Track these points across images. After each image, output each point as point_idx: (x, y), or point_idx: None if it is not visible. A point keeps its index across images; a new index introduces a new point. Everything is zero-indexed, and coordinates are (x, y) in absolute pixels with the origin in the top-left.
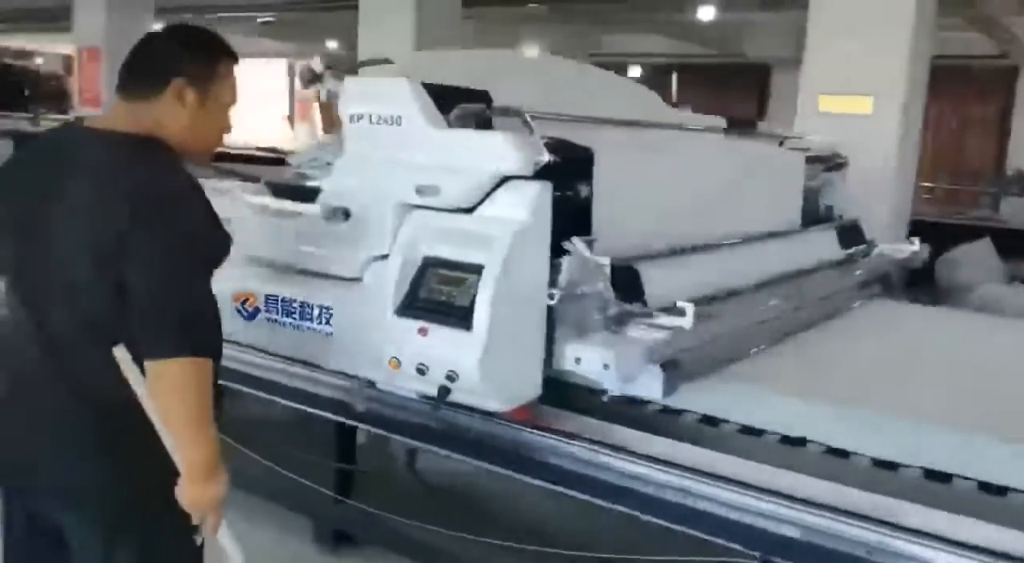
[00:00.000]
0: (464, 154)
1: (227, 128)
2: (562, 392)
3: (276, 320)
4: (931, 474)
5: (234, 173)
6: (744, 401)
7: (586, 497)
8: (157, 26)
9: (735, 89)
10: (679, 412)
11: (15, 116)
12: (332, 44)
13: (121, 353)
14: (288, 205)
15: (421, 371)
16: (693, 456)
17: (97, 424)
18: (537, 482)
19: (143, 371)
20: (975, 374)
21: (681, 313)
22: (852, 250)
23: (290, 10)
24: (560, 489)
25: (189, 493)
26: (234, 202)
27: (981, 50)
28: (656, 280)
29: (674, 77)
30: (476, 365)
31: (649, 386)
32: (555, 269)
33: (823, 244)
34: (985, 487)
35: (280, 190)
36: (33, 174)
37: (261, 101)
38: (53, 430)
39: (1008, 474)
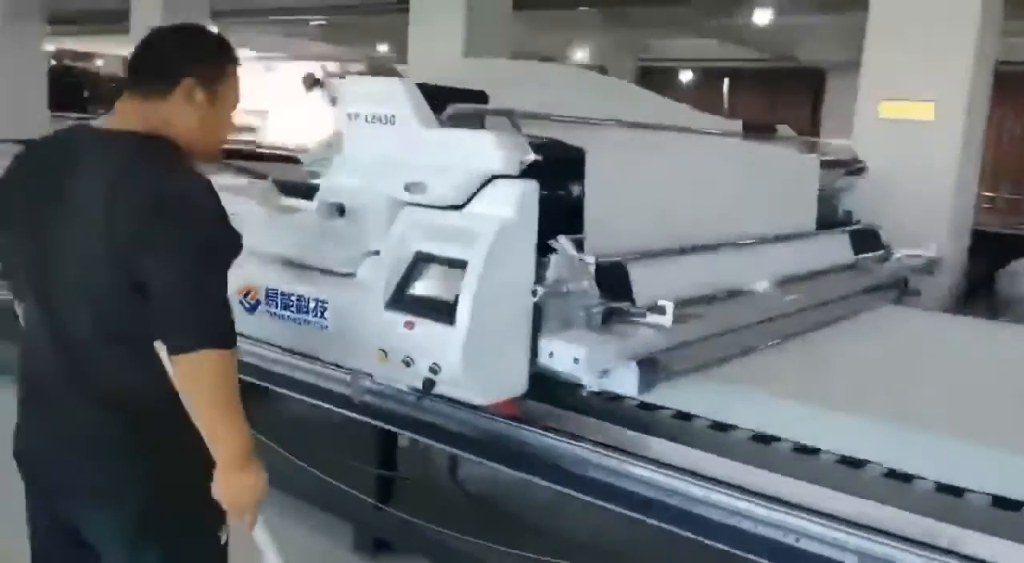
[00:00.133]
0: (452, 153)
1: (231, 128)
2: (550, 388)
3: (276, 313)
4: (893, 473)
5: (243, 170)
6: (715, 399)
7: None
8: (214, 30)
9: (788, 94)
10: (658, 408)
11: (74, 117)
12: (383, 47)
13: (162, 352)
14: (289, 202)
15: (407, 363)
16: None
17: (117, 424)
18: (529, 477)
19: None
20: (967, 379)
21: (661, 312)
22: (866, 255)
23: (342, 14)
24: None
25: (225, 485)
26: (241, 198)
27: None
28: (648, 280)
29: (726, 82)
30: (458, 358)
31: (625, 382)
32: (543, 267)
33: (834, 248)
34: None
35: (285, 187)
36: (42, 176)
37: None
38: (74, 431)
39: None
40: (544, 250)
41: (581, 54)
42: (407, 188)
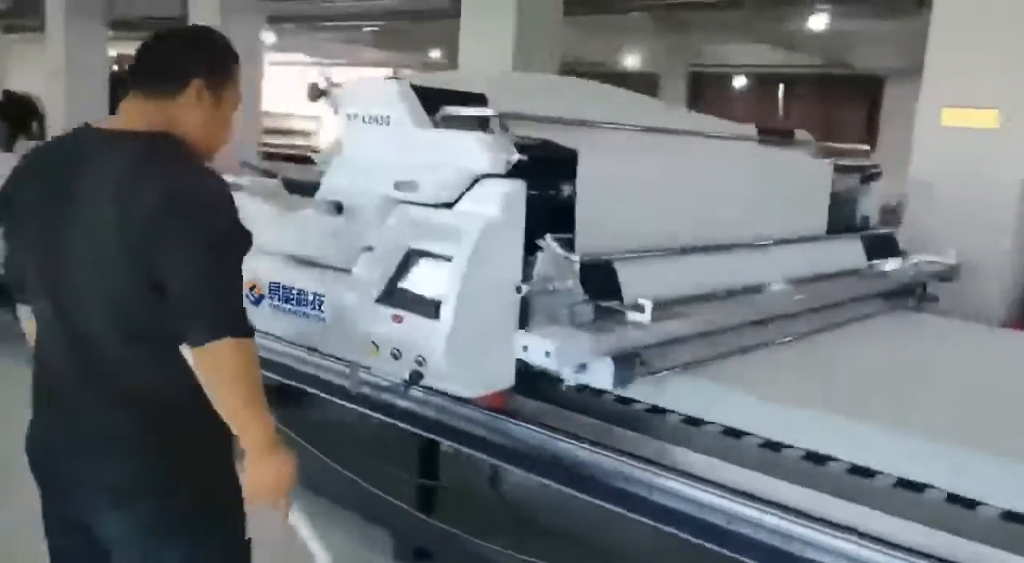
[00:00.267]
0: (443, 153)
1: (232, 127)
2: (538, 382)
3: (279, 307)
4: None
5: (251, 168)
6: (687, 394)
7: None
8: (270, 35)
9: (845, 101)
10: (632, 401)
11: None
12: (435, 53)
13: (186, 352)
14: (293, 199)
15: (395, 356)
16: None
17: (136, 422)
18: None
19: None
20: (965, 386)
21: (640, 309)
22: (880, 261)
23: (395, 20)
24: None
25: (254, 474)
26: (249, 197)
27: None
28: (638, 279)
29: (780, 89)
30: (442, 351)
31: (601, 376)
32: (531, 264)
33: (844, 252)
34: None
35: (292, 186)
36: (52, 178)
37: None
38: (92, 430)
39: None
40: (534, 248)
41: (632, 60)
42: (397, 187)
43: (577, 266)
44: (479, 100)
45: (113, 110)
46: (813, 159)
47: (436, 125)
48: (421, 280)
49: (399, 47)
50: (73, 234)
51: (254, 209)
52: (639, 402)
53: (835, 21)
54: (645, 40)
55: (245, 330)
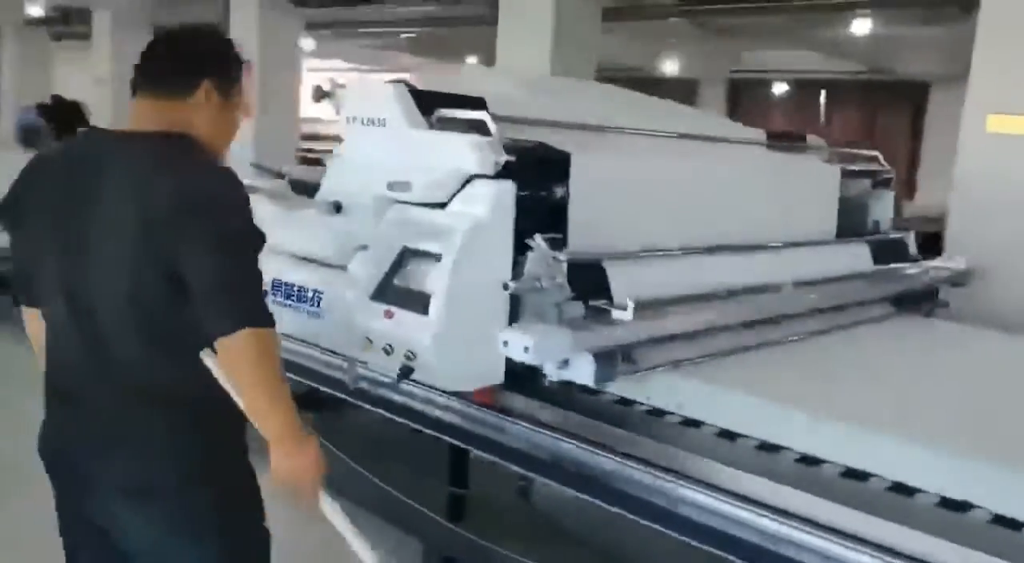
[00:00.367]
0: (437, 154)
1: (239, 127)
2: (527, 378)
3: (281, 302)
4: (805, 458)
5: (261, 169)
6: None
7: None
8: (309, 42)
9: (888, 108)
10: (599, 393)
11: None
12: (472, 59)
13: (210, 360)
14: (297, 199)
15: (387, 351)
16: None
17: (153, 422)
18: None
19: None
20: (963, 391)
21: (623, 307)
22: (888, 266)
23: (433, 26)
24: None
25: (280, 465)
26: (256, 196)
27: None
28: (629, 279)
29: (822, 95)
30: (431, 347)
31: (582, 372)
32: (520, 263)
33: (849, 257)
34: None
35: (297, 186)
36: (68, 182)
37: None
38: (111, 430)
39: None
40: (525, 247)
41: (671, 66)
42: (390, 187)
43: (564, 265)
44: (478, 103)
45: None
46: (821, 164)
47: (432, 127)
48: (413, 278)
49: (436, 53)
50: (92, 235)
51: (260, 209)
52: (630, 401)
53: (878, 26)
54: (684, 46)
55: (265, 320)
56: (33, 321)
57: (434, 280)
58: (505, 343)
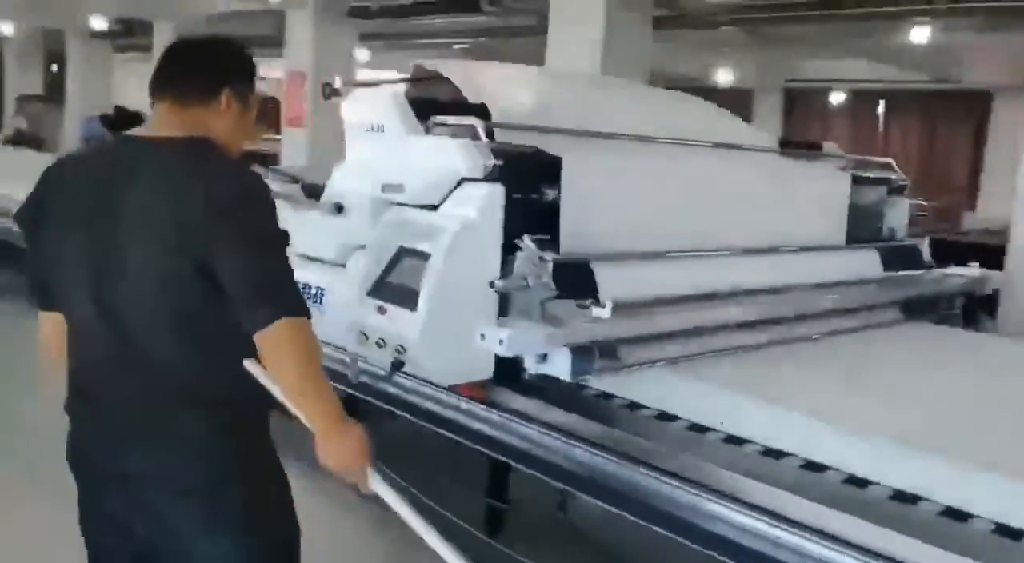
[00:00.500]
0: (431, 158)
1: (254, 131)
2: (518, 375)
3: None
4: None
5: (278, 173)
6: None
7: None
8: (363, 53)
9: (950, 118)
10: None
11: None
12: None
13: (252, 367)
14: (306, 201)
15: (379, 345)
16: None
17: (186, 423)
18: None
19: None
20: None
21: (602, 306)
22: (899, 272)
23: (483, 37)
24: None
25: (327, 451)
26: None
27: None
28: (618, 279)
29: (880, 105)
30: (418, 341)
31: (559, 366)
32: (510, 263)
33: (857, 262)
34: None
35: (307, 189)
36: (97, 186)
37: None
38: (143, 431)
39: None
40: (516, 248)
41: (724, 75)
42: (383, 189)
43: (550, 265)
44: (479, 109)
45: None
46: (831, 170)
47: (428, 132)
48: (406, 275)
49: None
50: (123, 237)
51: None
52: (614, 396)
53: (938, 34)
54: (738, 55)
55: (302, 310)
56: (47, 324)
57: (423, 278)
58: (482, 336)
